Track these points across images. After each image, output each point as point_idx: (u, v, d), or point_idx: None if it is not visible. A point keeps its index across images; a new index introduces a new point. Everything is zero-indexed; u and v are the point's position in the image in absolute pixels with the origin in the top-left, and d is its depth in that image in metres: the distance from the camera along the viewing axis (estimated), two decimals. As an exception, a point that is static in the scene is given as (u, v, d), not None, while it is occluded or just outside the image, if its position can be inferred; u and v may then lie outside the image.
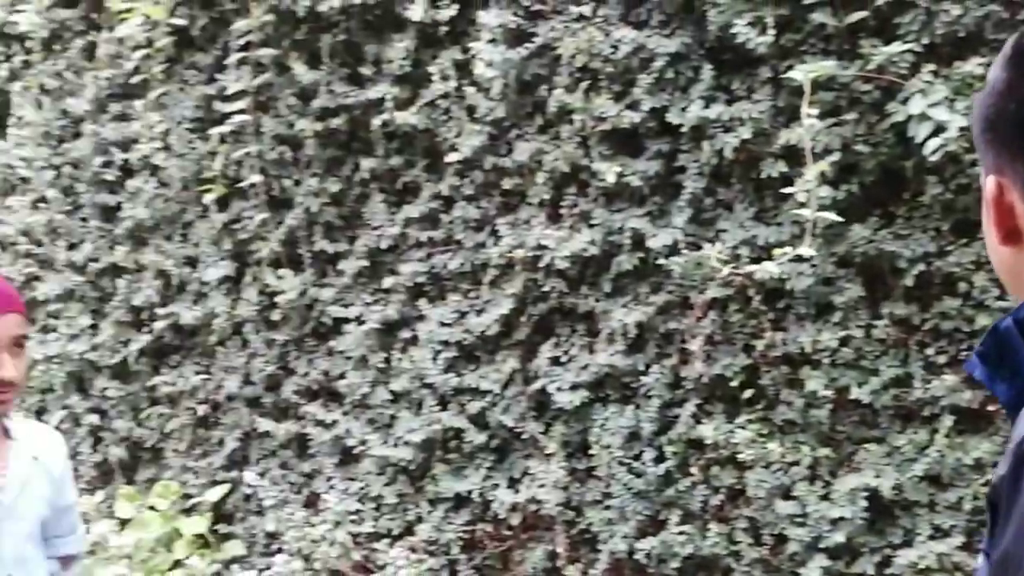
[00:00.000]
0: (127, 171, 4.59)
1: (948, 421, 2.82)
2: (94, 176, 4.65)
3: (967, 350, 2.80)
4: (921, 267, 2.81)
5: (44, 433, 2.22)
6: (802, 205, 2.89)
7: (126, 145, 4.55)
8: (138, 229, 4.55)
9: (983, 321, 2.72)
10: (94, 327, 4.79)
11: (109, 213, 4.69)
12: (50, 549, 2.25)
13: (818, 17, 2.79)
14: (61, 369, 4.85)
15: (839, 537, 2.93)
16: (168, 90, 4.31)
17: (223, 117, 4.09)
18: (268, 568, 3.93)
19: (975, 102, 1.01)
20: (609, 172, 3.15)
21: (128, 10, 4.20)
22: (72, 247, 4.83)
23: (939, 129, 2.59)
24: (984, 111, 0.99)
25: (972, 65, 2.62)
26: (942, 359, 2.84)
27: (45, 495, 2.14)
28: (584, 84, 3.21)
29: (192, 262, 4.41)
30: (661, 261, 3.15)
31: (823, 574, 2.95)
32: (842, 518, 2.91)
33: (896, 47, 2.69)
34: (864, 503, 2.90)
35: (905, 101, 2.70)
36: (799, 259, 2.89)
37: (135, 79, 4.41)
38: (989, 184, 0.99)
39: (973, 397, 2.80)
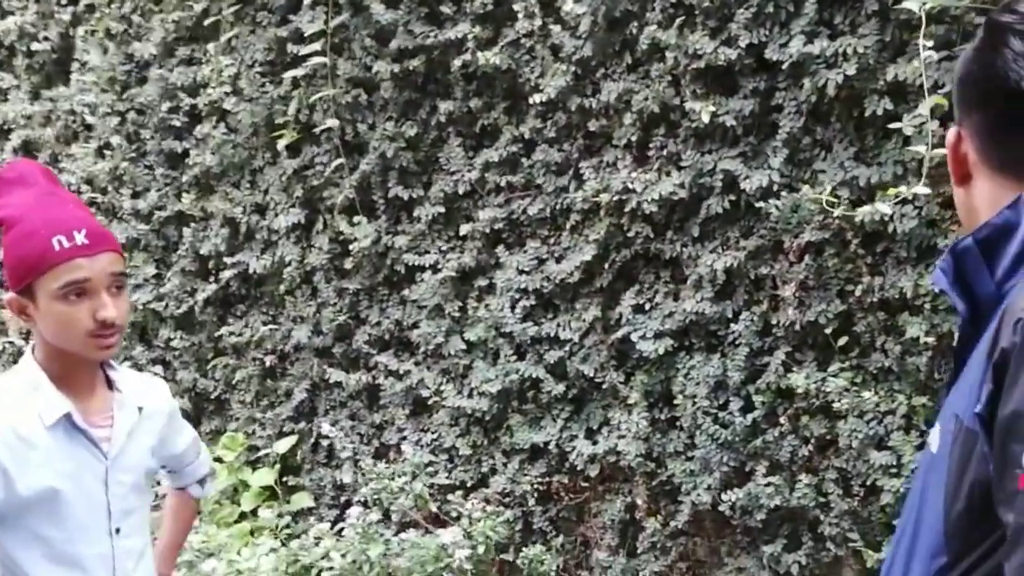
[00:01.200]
0: (195, 117, 4.65)
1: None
2: (160, 122, 4.72)
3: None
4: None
5: (147, 381, 2.23)
6: (906, 141, 2.88)
7: (194, 90, 4.61)
8: (205, 176, 4.61)
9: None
10: (159, 277, 4.87)
11: (175, 160, 4.76)
12: (183, 479, 2.35)
13: (931, -54, 2.76)
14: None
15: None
16: (238, 33, 4.35)
17: (296, 60, 4.13)
18: (342, 520, 3.97)
19: (958, 62, 1.26)
20: (703, 111, 3.14)
21: (200, -50, 4.25)
22: (136, 195, 4.90)
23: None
24: (959, 71, 1.24)
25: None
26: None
27: (150, 445, 2.16)
28: (678, 20, 3.20)
29: (261, 210, 4.46)
30: (759, 204, 3.13)
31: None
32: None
33: (1012, -23, 2.65)
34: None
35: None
36: (904, 201, 2.88)
37: (205, 22, 4.46)
38: (950, 133, 1.24)
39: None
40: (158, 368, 4.89)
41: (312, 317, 4.33)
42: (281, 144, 4.20)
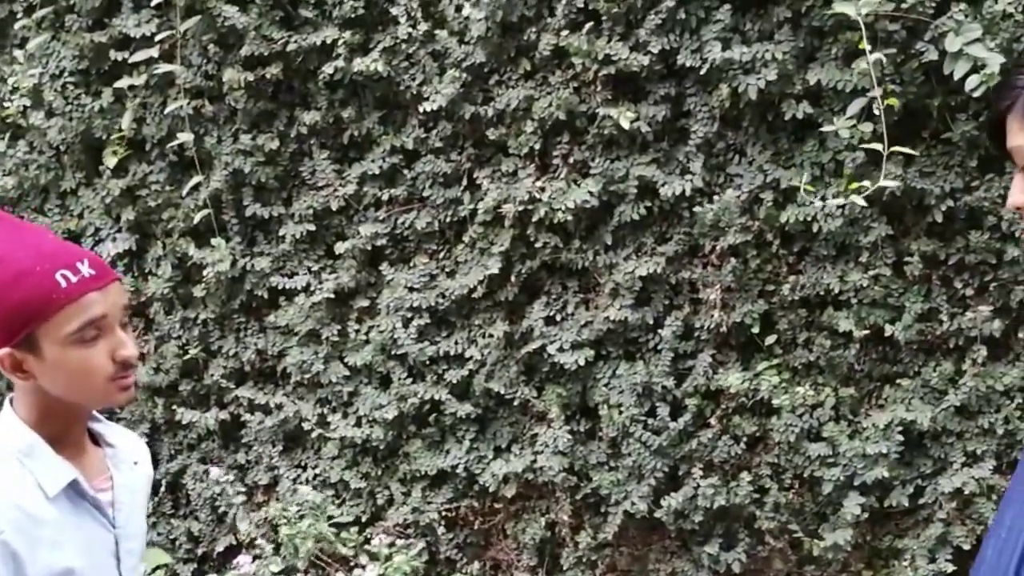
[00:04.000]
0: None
1: (979, 351, 3.19)
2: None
3: (993, 282, 3.17)
4: (949, 203, 3.14)
5: (126, 432, 2.12)
6: (822, 144, 3.18)
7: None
8: (-1, 202, 4.28)
9: (1012, 252, 3.10)
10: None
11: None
12: None
13: (846, -45, 3.04)
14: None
15: (878, 472, 3.24)
16: (39, 39, 4.05)
17: (116, 66, 3.94)
18: (215, 571, 3.86)
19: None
20: (622, 117, 3.30)
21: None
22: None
23: (977, 67, 2.91)
24: None
25: (1003, 3, 2.96)
26: (969, 292, 3.20)
27: (145, 506, 2.05)
28: (584, 25, 3.33)
29: (75, 237, 4.20)
30: (697, 209, 3.31)
31: (862, 511, 3.28)
32: (881, 454, 3.23)
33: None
34: (900, 438, 3.23)
35: (935, 40, 3.01)
36: (823, 200, 3.18)
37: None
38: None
39: (1000, 327, 3.18)
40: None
41: (152, 353, 4.15)
42: (112, 162, 3.97)
